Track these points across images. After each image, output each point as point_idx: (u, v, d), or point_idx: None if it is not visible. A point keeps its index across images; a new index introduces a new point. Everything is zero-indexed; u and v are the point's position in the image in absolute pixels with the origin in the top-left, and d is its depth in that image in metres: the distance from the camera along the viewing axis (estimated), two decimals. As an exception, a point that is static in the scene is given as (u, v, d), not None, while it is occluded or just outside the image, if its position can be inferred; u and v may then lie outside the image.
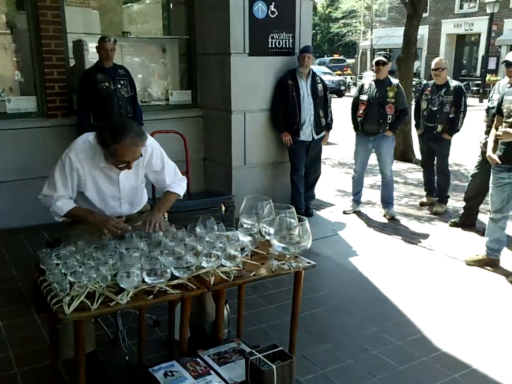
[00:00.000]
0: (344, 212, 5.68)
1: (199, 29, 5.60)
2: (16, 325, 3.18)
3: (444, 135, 5.46)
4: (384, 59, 5.23)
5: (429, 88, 5.56)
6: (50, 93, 5.03)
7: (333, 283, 3.90)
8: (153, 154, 2.74)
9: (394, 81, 5.40)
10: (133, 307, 2.06)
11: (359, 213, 5.65)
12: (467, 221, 5.22)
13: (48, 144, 4.93)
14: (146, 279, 2.02)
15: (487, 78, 21.96)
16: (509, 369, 2.77)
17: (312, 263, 2.44)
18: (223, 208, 3.84)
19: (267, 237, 2.48)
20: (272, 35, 5.29)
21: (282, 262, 2.41)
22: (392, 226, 5.28)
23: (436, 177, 5.87)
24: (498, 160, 3.88)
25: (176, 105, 5.76)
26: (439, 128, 5.44)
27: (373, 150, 5.52)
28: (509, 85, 4.60)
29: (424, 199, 6.07)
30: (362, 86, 5.50)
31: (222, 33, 5.13)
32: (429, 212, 5.74)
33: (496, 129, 4.01)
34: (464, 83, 7.63)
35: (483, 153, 4.83)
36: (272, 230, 2.39)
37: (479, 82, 22.44)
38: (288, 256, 2.40)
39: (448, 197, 5.83)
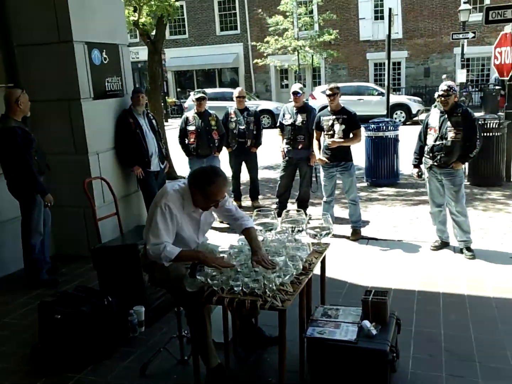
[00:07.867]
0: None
1: (25, 77, 5.47)
2: None
3: (252, 149, 6.98)
4: (204, 95, 6.40)
5: (233, 112, 6.95)
6: None
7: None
8: None
9: (212, 112, 6.59)
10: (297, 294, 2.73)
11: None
12: (281, 212, 6.88)
13: None
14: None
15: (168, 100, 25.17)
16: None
17: (327, 243, 3.54)
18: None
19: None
20: (107, 79, 5.74)
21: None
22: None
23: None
24: (327, 160, 5.61)
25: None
26: (249, 142, 6.92)
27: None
28: (295, 109, 6.46)
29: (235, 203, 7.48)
30: (186, 118, 6.51)
31: (64, 80, 5.30)
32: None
33: (318, 140, 5.75)
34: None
35: (289, 158, 6.57)
36: (304, 226, 3.40)
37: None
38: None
39: (259, 194, 7.41)
